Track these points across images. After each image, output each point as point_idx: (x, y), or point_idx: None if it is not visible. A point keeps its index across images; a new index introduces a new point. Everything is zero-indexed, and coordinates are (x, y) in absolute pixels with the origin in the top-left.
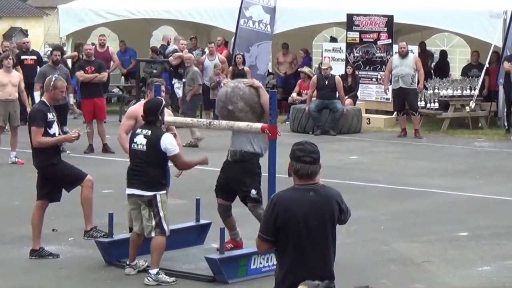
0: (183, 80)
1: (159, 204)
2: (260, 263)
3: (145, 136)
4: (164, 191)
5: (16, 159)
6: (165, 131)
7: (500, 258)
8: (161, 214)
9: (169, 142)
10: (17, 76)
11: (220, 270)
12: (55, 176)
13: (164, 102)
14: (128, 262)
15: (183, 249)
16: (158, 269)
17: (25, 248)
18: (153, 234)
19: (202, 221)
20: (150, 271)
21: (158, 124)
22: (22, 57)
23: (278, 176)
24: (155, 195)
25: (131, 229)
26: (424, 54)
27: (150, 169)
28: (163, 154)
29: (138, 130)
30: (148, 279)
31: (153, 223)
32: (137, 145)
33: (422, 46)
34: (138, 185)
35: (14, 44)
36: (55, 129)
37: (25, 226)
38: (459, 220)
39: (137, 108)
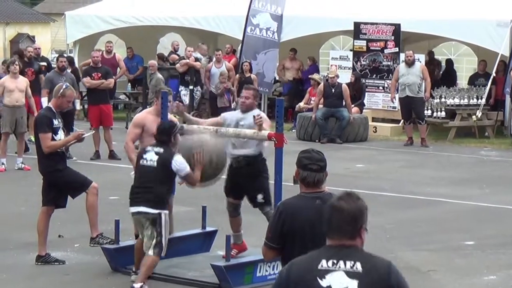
0: (190, 87)
1: (163, 224)
2: (266, 270)
3: (156, 153)
4: (167, 211)
5: (23, 165)
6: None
7: (506, 268)
8: (163, 234)
9: (179, 163)
10: (23, 81)
11: (226, 278)
12: (60, 182)
13: (178, 124)
14: (134, 269)
15: (189, 256)
16: (142, 284)
17: (30, 254)
18: (150, 253)
19: (208, 229)
20: (134, 285)
21: (170, 145)
22: None
23: (285, 184)
24: (160, 214)
25: (137, 236)
26: (432, 63)
27: (157, 186)
28: (172, 174)
29: (149, 148)
30: None
31: (154, 242)
32: (147, 161)
33: (430, 55)
34: (143, 202)
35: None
36: (60, 135)
37: (30, 232)
38: (465, 229)
39: (143, 116)
